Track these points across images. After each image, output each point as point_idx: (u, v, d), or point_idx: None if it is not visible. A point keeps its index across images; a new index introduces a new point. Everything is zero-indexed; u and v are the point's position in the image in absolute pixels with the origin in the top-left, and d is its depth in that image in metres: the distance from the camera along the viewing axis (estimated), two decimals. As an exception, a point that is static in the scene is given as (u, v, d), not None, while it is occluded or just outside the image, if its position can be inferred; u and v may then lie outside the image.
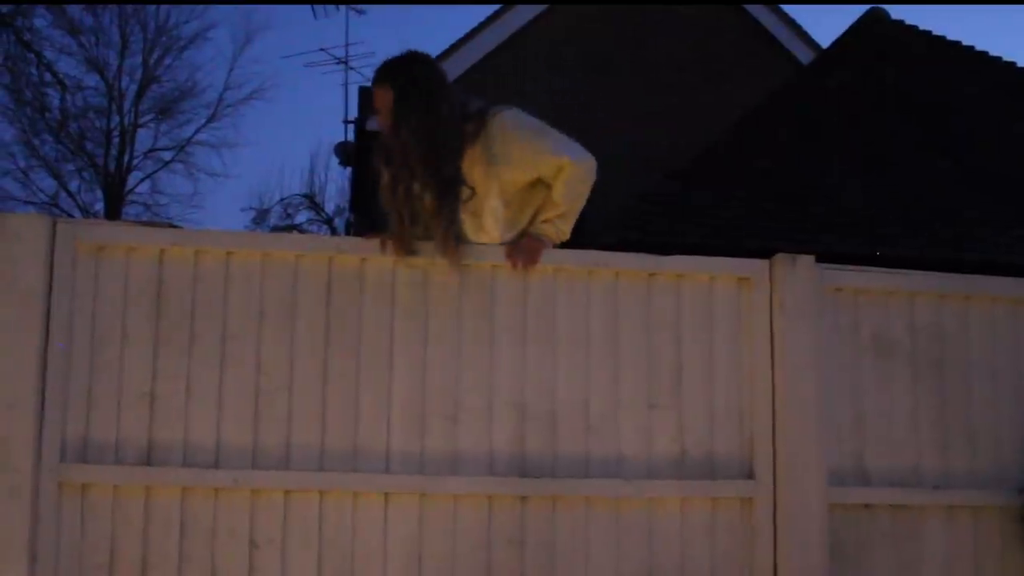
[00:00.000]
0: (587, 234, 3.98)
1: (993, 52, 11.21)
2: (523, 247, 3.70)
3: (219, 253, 3.56)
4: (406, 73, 3.66)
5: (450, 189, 3.60)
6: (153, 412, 3.46)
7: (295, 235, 3.91)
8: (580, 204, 3.80)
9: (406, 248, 3.60)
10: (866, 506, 3.77)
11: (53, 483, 3.35)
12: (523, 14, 12.91)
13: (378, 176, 3.67)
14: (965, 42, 11.31)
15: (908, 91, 10.32)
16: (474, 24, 13.06)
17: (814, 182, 9.24)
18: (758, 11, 13.32)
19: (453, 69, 12.71)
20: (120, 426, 3.44)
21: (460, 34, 12.99)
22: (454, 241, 3.60)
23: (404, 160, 3.58)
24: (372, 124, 12.42)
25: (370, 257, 3.61)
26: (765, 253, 3.88)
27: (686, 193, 9.07)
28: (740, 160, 9.41)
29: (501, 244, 3.78)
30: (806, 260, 3.81)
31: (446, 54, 12.80)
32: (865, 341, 3.86)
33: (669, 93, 12.63)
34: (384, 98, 3.65)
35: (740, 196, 9.01)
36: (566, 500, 3.60)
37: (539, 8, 12.88)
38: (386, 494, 3.52)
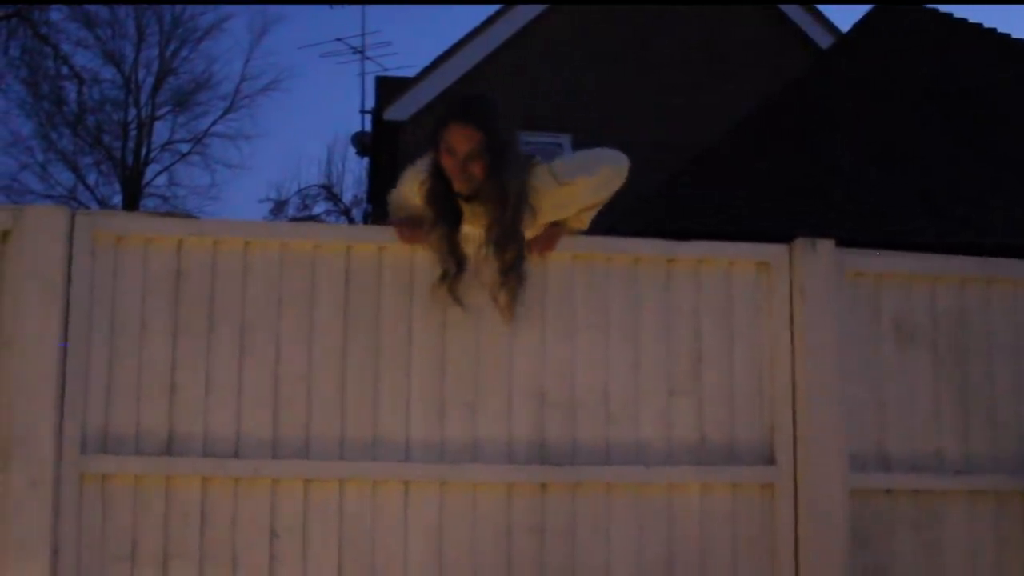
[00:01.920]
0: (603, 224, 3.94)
1: (1016, 35, 11.10)
2: (541, 234, 3.68)
3: (237, 243, 3.56)
4: (498, 120, 3.43)
5: (522, 251, 3.51)
6: (173, 402, 3.47)
7: (313, 225, 3.92)
8: (606, 198, 3.74)
9: (456, 297, 3.53)
10: (887, 491, 3.75)
11: (74, 474, 3.36)
12: (526, 13, 12.89)
13: (434, 220, 3.51)
14: (986, 24, 11.21)
15: (928, 75, 10.22)
16: (483, 18, 13.07)
17: (832, 170, 9.18)
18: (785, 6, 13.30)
19: (459, 66, 12.73)
20: (140, 417, 3.45)
21: (478, 22, 13.00)
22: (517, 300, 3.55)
23: (502, 215, 3.43)
24: (389, 114, 12.43)
25: (388, 246, 3.61)
26: (782, 240, 3.84)
27: (691, 191, 9.02)
28: (749, 153, 9.34)
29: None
30: (826, 244, 3.78)
31: (452, 51, 12.79)
32: (886, 326, 3.83)
33: (674, 92, 12.59)
34: (470, 139, 3.36)
35: (743, 195, 8.94)
36: (586, 487, 3.59)
37: (540, 8, 12.87)
38: (406, 482, 3.52)
